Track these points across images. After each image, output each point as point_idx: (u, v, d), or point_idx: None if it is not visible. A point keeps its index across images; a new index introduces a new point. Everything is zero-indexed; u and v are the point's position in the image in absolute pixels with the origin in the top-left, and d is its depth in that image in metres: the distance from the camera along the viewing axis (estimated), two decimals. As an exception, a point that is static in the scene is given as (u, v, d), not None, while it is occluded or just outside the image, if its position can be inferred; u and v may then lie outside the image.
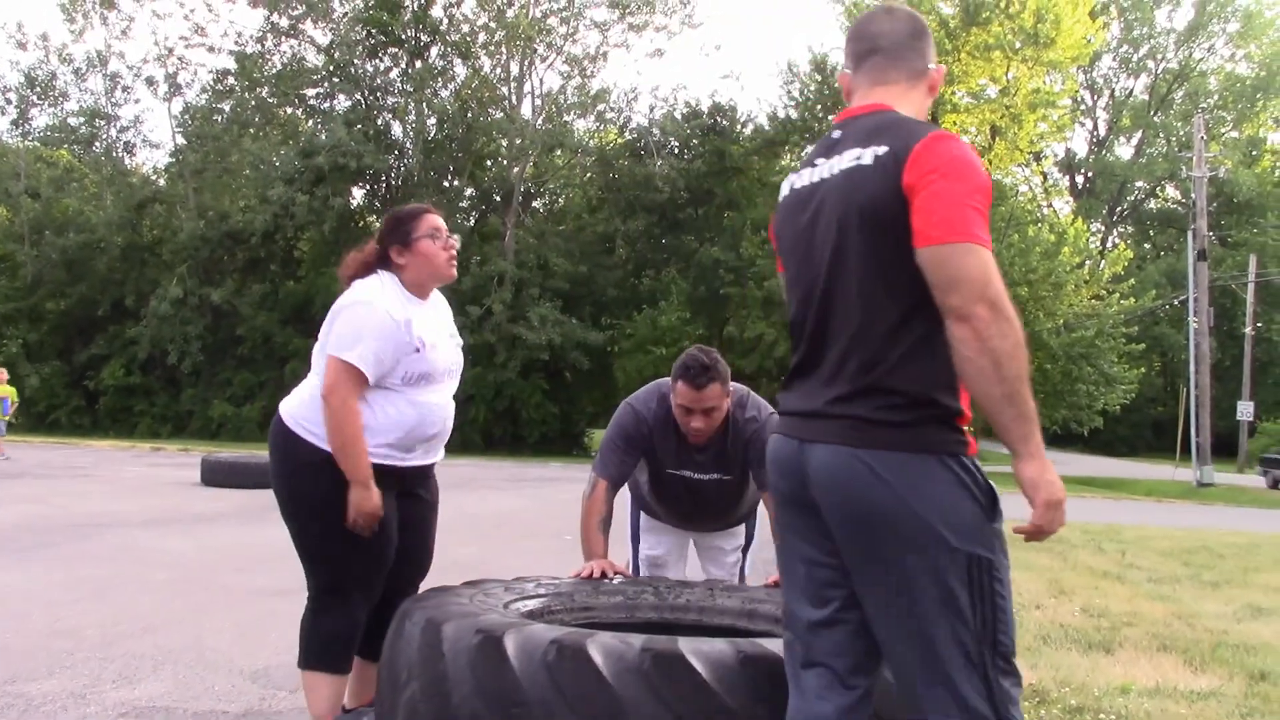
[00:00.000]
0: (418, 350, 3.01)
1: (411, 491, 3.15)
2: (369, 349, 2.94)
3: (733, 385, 3.57)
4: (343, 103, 26.93)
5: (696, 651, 2.24)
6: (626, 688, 2.20)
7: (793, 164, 28.24)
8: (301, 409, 3.03)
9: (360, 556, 2.99)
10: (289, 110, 27.80)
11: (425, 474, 3.20)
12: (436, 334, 3.11)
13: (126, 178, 28.98)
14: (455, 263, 3.18)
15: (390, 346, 2.96)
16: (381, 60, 27.07)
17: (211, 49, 26.72)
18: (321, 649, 3.01)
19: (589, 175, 28.99)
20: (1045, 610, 5.55)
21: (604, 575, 3.23)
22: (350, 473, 2.91)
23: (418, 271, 3.10)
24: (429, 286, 3.15)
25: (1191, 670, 4.30)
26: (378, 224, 3.44)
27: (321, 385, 2.96)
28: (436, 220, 3.14)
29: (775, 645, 2.33)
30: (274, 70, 27.10)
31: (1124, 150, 45.81)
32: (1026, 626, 5.01)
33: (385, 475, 3.00)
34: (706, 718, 2.17)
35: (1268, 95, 42.38)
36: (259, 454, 12.68)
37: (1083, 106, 42.61)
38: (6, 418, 17.03)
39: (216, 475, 11.79)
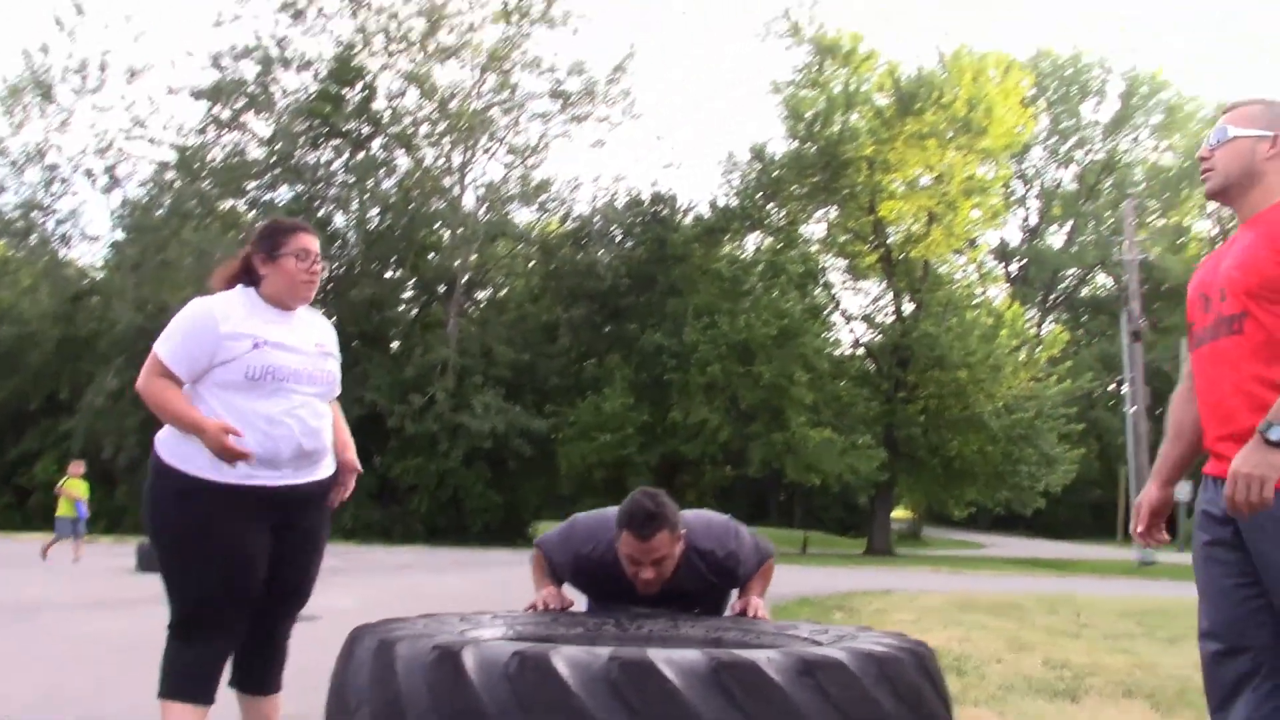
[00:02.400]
0: (255, 346, 2.98)
1: (288, 523, 3.07)
2: (177, 344, 2.97)
3: (712, 517, 3.47)
4: (285, 194, 26.91)
5: (667, 660, 2.15)
6: (593, 698, 2.09)
7: (734, 251, 28.56)
8: (166, 436, 3.03)
9: (219, 588, 2.94)
10: (230, 202, 27.68)
11: (304, 499, 3.11)
12: (295, 340, 3.09)
13: (63, 270, 28.62)
14: (314, 287, 3.17)
15: (201, 343, 2.96)
16: (324, 151, 27.14)
17: (152, 141, 26.47)
18: (180, 679, 2.94)
19: (531, 264, 29.07)
20: (1006, 664, 5.47)
21: (560, 608, 3.14)
22: (187, 428, 2.91)
23: (275, 286, 3.10)
24: (287, 303, 3.14)
25: (1160, 714, 4.24)
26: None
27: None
28: (308, 242, 3.14)
29: (750, 653, 2.24)
30: (215, 162, 27.02)
31: (1056, 239, 46.85)
32: (989, 678, 4.93)
33: (251, 497, 2.97)
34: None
35: (1192, 184, 43.62)
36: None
37: (1015, 196, 43.56)
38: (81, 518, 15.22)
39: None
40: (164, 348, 2.97)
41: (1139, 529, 2.85)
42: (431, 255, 28.02)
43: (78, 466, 16.01)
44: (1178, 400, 2.86)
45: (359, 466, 3.35)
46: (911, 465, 27.66)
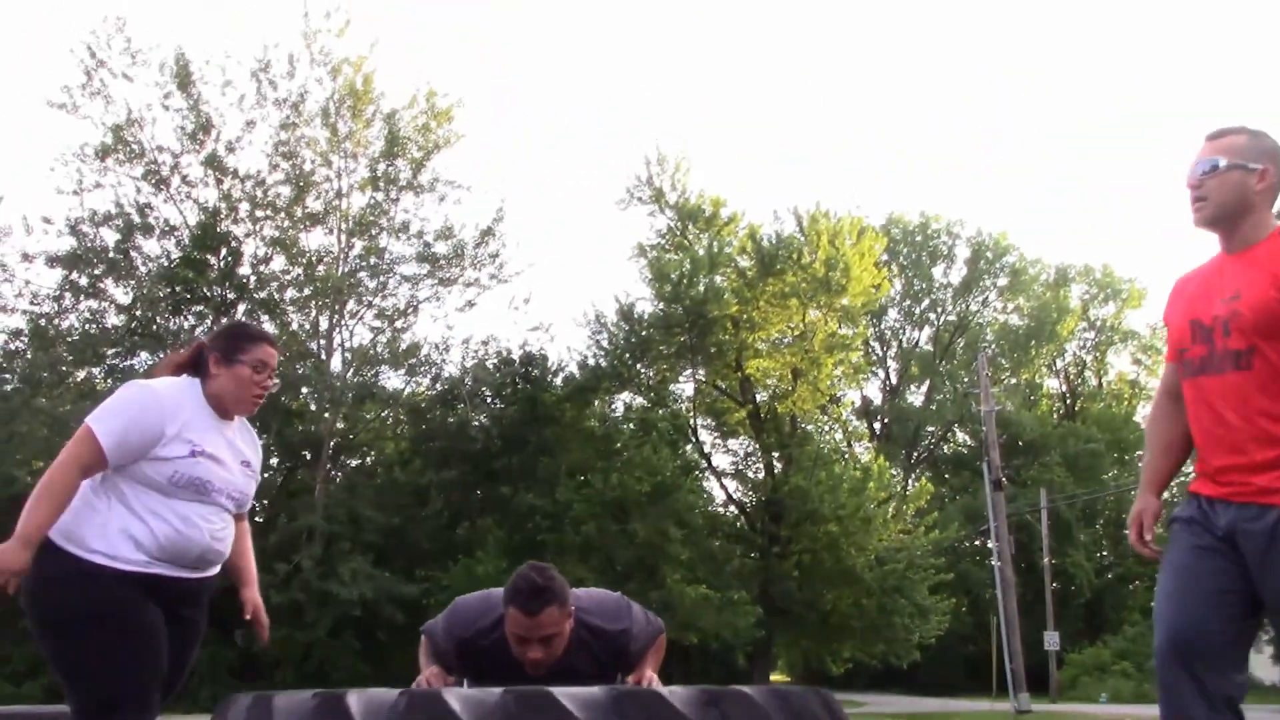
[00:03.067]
0: (193, 454, 2.91)
1: (174, 615, 2.98)
2: (118, 427, 2.85)
3: (603, 594, 3.37)
4: (144, 360, 26.26)
5: (567, 694, 2.09)
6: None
7: (605, 410, 28.70)
8: (66, 517, 2.87)
9: (133, 668, 2.81)
10: (86, 369, 26.89)
11: (194, 594, 3.04)
12: (227, 454, 3.02)
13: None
14: (259, 403, 3.11)
15: (143, 435, 2.86)
16: (186, 317, 26.67)
17: (3, 308, 25.74)
18: None
19: (401, 427, 28.74)
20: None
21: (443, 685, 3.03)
22: (24, 524, 2.75)
23: (221, 388, 3.03)
24: (227, 409, 3.07)
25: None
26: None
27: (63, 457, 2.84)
28: (268, 356, 3.11)
29: (650, 689, 2.19)
30: (71, 329, 26.32)
31: (915, 397, 48.21)
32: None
33: (153, 586, 2.88)
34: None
35: (1039, 342, 45.64)
36: (38, 709, 11.57)
37: (875, 356, 44.93)
38: None
39: None
40: (103, 427, 2.83)
41: (1144, 536, 2.93)
42: (296, 422, 27.49)
43: None
44: (1159, 417, 2.98)
45: (261, 603, 3.28)
46: (788, 622, 27.60)
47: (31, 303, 26.25)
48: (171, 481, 2.89)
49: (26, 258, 25.58)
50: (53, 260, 25.65)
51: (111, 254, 26.03)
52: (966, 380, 43.39)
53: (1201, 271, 2.91)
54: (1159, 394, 3.04)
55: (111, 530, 2.85)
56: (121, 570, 2.83)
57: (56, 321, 26.38)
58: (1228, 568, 2.69)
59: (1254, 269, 2.70)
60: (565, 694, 2.06)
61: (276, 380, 3.13)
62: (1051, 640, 32.25)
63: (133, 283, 26.40)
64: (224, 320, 26.34)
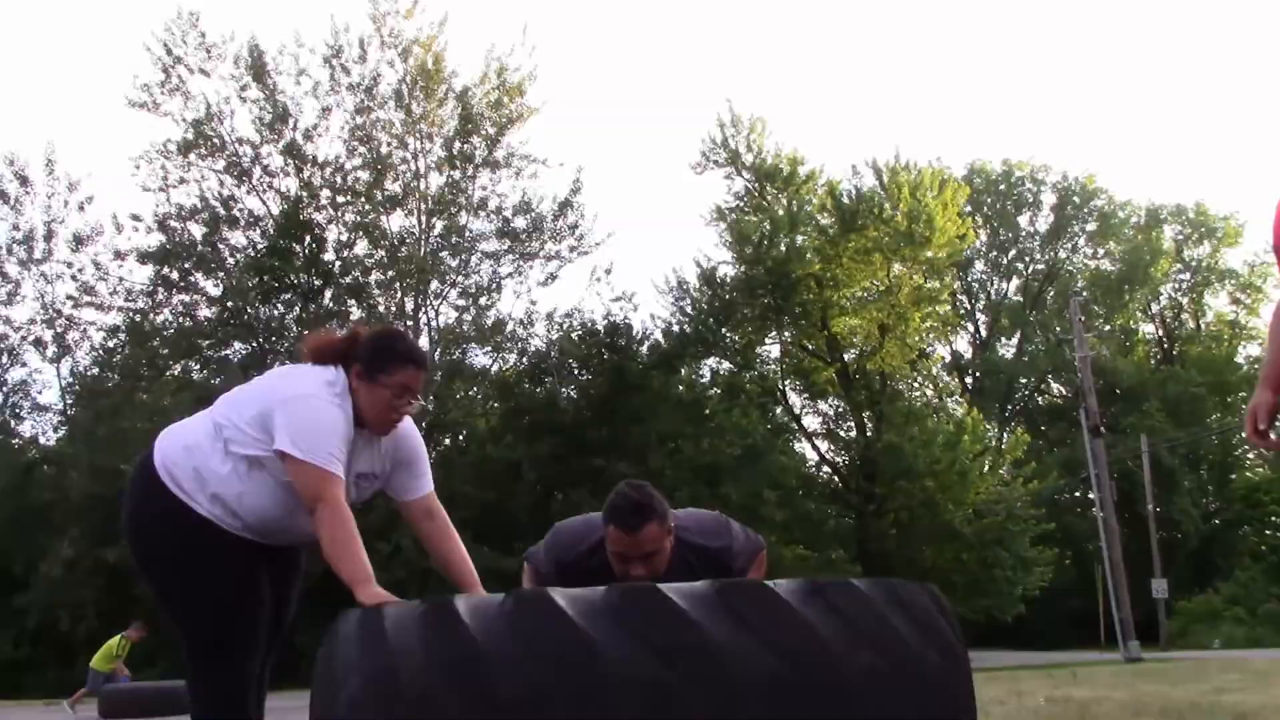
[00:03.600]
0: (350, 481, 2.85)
1: (275, 559, 2.97)
2: (332, 447, 2.75)
3: (702, 513, 3.31)
4: (237, 350, 26.77)
5: (672, 588, 2.03)
6: (597, 627, 1.96)
7: (694, 376, 28.62)
8: (174, 454, 2.83)
9: (234, 608, 2.80)
10: (182, 362, 27.49)
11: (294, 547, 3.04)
12: (370, 467, 2.96)
13: (13, 442, 28.17)
14: (394, 426, 2.96)
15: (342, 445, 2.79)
16: (275, 306, 27.10)
17: (100, 307, 26.40)
18: (214, 712, 2.75)
19: (491, 404, 28.95)
20: (1007, 705, 5.29)
21: None
22: (353, 575, 2.66)
23: (360, 404, 2.88)
24: (369, 427, 2.92)
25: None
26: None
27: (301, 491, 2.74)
28: (414, 380, 2.93)
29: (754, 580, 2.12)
30: (165, 324, 26.91)
31: (1007, 350, 47.38)
32: (993, 716, 4.74)
33: (250, 547, 2.86)
34: (688, 650, 1.93)
35: (1133, 287, 44.51)
36: (159, 684, 11.98)
37: (963, 310, 44.20)
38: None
39: (117, 706, 11.10)
40: (322, 452, 2.71)
41: (1259, 428, 2.77)
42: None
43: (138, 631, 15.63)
44: (1275, 319, 2.82)
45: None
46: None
47: (126, 299, 26.93)
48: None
49: (119, 255, 26.24)
50: (144, 257, 26.24)
51: (200, 247, 26.52)
52: (1059, 329, 42.57)
53: None
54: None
55: (224, 496, 2.81)
56: (219, 527, 2.81)
57: (151, 316, 27.00)
58: None
59: None
60: (671, 588, 2.01)
61: (420, 403, 2.99)
62: (1159, 589, 31.52)
63: (221, 274, 26.88)
64: (312, 307, 26.77)
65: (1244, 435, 2.86)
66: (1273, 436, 2.81)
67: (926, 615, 2.16)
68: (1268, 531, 41.06)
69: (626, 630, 1.94)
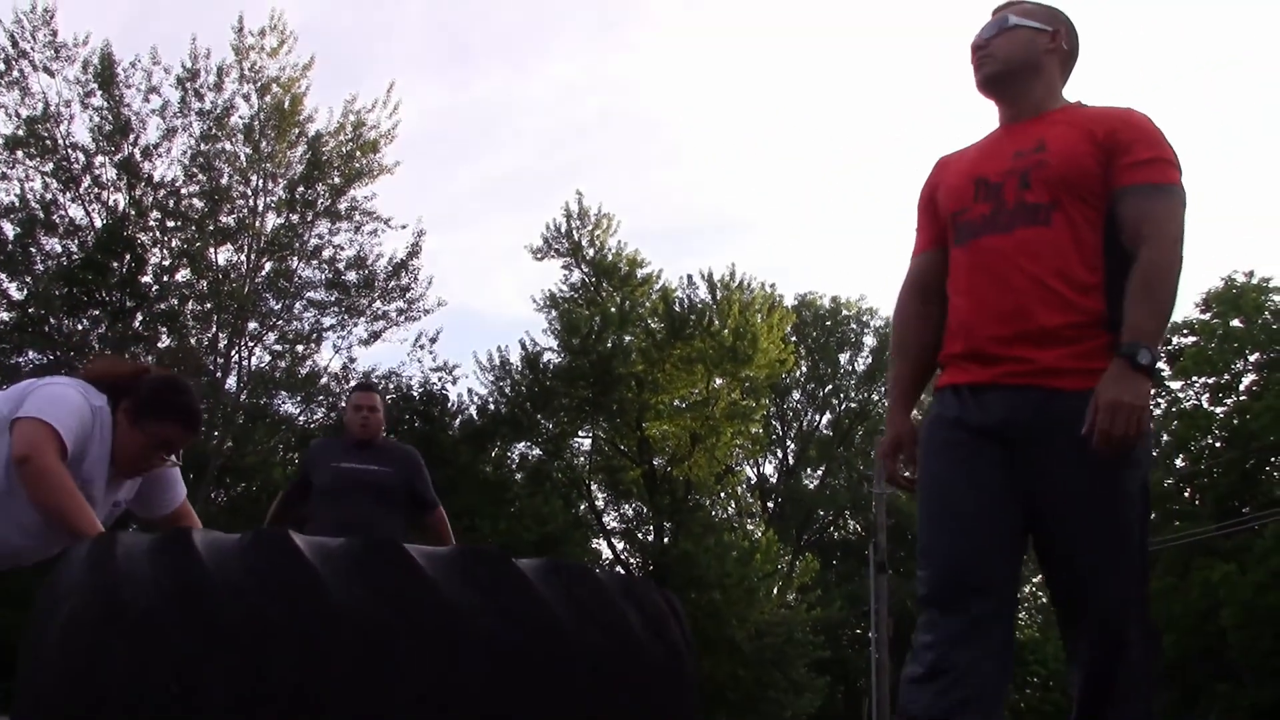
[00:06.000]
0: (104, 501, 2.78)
1: None
2: (73, 424, 2.66)
3: None
4: (31, 359, 25.50)
5: (415, 549, 2.05)
6: (332, 570, 1.97)
7: (500, 455, 28.45)
8: None
9: None
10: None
11: None
12: (102, 499, 2.81)
13: None
14: (140, 475, 2.89)
15: (76, 443, 2.66)
16: (81, 320, 25.98)
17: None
18: None
19: (292, 454, 28.18)
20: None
21: None
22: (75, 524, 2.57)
23: (118, 443, 2.78)
24: (122, 470, 2.83)
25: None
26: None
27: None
28: (176, 436, 2.84)
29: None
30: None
31: (811, 480, 48.57)
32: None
33: None
34: (418, 602, 1.95)
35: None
36: None
37: (775, 435, 45.23)
38: None
39: None
40: (61, 425, 2.63)
41: (904, 474, 2.66)
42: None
43: None
44: (908, 319, 2.68)
45: None
46: (663, 687, 27.39)
47: (-84, 289, 25.45)
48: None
49: (-83, 242, 24.83)
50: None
51: (10, 247, 25.33)
52: (863, 467, 43.90)
53: (976, 144, 2.65)
54: (905, 293, 2.70)
55: None
56: None
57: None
58: (994, 473, 2.39)
59: (1062, 126, 2.47)
60: (415, 549, 2.03)
61: (175, 462, 2.88)
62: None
63: (29, 279, 25.67)
64: (119, 326, 25.75)
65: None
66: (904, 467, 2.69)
67: (657, 611, 2.24)
68: (1028, 690, 42.65)
69: (361, 577, 1.95)
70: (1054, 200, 2.37)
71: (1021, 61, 2.52)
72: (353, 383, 26.84)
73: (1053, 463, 2.33)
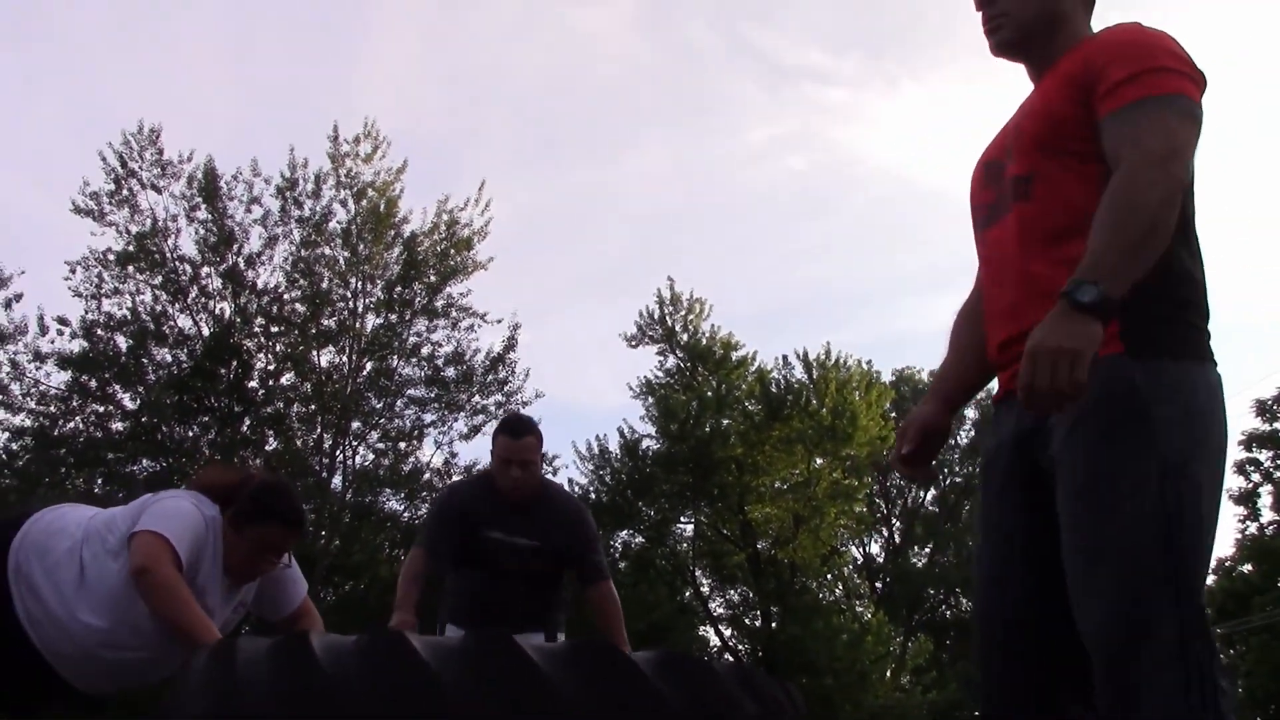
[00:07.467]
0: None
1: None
2: (188, 539, 2.76)
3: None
4: (145, 466, 26.20)
5: (520, 638, 2.03)
6: (447, 668, 1.95)
7: (606, 542, 28.39)
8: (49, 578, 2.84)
9: None
10: (85, 472, 26.80)
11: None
12: (220, 609, 2.88)
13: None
14: (253, 580, 2.95)
15: (189, 555, 2.74)
16: (191, 427, 26.68)
17: (10, 407, 25.80)
18: None
19: (398, 551, 28.44)
20: None
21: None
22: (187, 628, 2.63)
23: (228, 551, 2.85)
24: (236, 577, 2.91)
25: None
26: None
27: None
28: (279, 538, 2.92)
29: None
30: (75, 430, 26.31)
31: (919, 559, 47.61)
32: None
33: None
34: (534, 701, 1.93)
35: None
36: None
37: (879, 514, 44.54)
38: None
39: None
40: (167, 529, 2.73)
41: (903, 451, 2.39)
42: (293, 540, 27.22)
43: None
44: (961, 315, 2.41)
45: None
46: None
47: (39, 403, 26.35)
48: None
49: (39, 358, 25.75)
50: (65, 362, 25.81)
51: (123, 359, 26.17)
52: (971, 543, 42.94)
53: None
54: (971, 293, 2.39)
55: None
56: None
57: (61, 423, 26.39)
58: (1020, 518, 2.07)
59: (1048, 79, 2.10)
60: (526, 643, 2.01)
61: (284, 563, 2.95)
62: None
63: (141, 389, 26.47)
64: (228, 431, 26.38)
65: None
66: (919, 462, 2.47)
67: (775, 703, 2.17)
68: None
69: (475, 676, 1.93)
70: (1032, 169, 2.03)
71: (1037, 16, 2.12)
72: (457, 479, 27.16)
73: (1056, 467, 1.97)
